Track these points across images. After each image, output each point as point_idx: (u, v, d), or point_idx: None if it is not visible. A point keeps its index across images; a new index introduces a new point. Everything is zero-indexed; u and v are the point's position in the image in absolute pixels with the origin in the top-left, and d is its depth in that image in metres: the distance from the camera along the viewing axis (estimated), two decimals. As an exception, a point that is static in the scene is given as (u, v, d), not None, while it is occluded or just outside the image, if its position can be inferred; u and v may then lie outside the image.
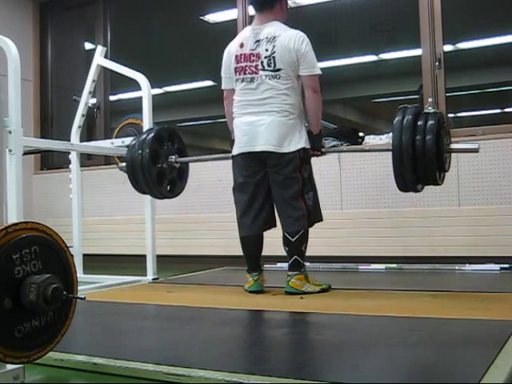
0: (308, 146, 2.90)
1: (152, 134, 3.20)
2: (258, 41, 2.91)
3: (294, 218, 2.85)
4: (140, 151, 3.13)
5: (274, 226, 3.00)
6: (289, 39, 2.86)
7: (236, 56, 2.96)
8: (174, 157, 3.27)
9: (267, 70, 2.86)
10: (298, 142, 2.85)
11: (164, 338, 2.04)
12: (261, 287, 2.92)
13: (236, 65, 2.96)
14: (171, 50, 5.98)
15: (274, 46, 2.86)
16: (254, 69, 2.90)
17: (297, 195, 2.85)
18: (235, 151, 2.97)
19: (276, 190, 2.89)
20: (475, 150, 2.64)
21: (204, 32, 5.53)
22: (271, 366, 1.60)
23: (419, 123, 2.53)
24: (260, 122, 2.86)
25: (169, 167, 3.26)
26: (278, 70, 2.84)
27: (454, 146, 2.66)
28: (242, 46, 2.96)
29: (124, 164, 3.25)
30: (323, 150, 3.01)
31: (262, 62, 2.88)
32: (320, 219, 2.98)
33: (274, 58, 2.85)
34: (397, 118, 2.57)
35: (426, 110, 2.61)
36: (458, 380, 1.39)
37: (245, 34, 3.00)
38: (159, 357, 1.66)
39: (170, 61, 6.03)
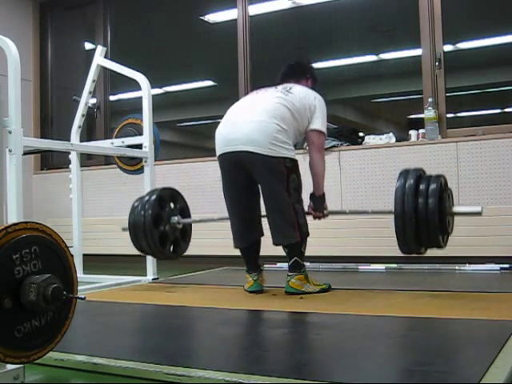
0: (295, 158, 2.80)
1: (154, 197, 3.15)
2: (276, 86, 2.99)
3: (285, 229, 2.77)
4: (142, 213, 3.09)
5: (263, 234, 2.96)
6: (309, 92, 2.94)
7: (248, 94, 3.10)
8: (176, 218, 3.22)
9: (278, 88, 2.91)
10: (284, 150, 2.74)
11: (164, 337, 2.04)
12: (261, 287, 2.92)
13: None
14: (171, 50, 5.98)
15: (292, 86, 2.94)
16: (263, 90, 2.95)
17: (286, 204, 2.76)
18: (217, 151, 2.88)
19: (265, 199, 2.82)
20: (478, 214, 2.62)
21: (204, 32, 5.53)
22: (271, 366, 1.60)
23: (421, 187, 2.53)
24: (245, 121, 2.78)
25: (171, 228, 3.21)
26: (291, 92, 2.87)
27: (456, 209, 2.65)
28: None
29: (126, 226, 3.19)
30: (325, 212, 2.93)
31: (276, 88, 2.93)
32: (308, 233, 2.86)
33: (290, 88, 2.91)
34: (398, 183, 2.57)
35: (426, 175, 2.61)
36: (458, 380, 1.38)
37: None
38: (159, 357, 1.66)
39: (170, 61, 6.04)
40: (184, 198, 3.36)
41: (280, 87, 2.93)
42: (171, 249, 3.25)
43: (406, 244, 2.57)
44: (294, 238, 2.78)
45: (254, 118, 2.77)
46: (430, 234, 2.52)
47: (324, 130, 2.91)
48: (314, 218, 2.95)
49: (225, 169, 2.89)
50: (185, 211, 3.33)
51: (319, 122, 2.89)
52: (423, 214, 2.49)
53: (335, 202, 4.27)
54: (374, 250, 4.03)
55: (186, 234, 3.34)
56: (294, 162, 2.81)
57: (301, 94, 2.89)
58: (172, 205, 3.27)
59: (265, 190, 2.82)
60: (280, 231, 2.80)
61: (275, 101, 2.81)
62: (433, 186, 2.52)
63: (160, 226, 3.14)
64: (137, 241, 3.15)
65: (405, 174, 2.61)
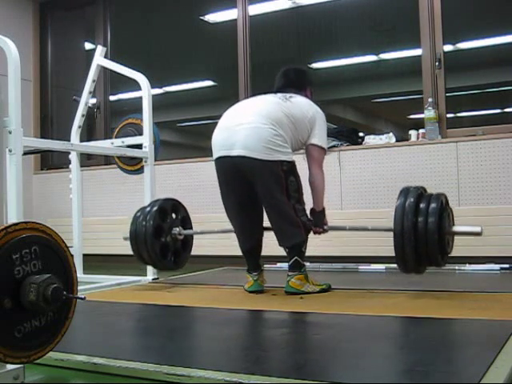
0: (292, 160, 2.78)
1: (156, 208, 3.16)
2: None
3: (289, 231, 2.77)
4: (144, 223, 3.10)
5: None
6: (310, 104, 2.91)
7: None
8: (178, 229, 3.23)
9: (277, 95, 2.88)
10: (280, 153, 2.72)
11: (164, 338, 2.04)
12: (261, 287, 2.92)
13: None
14: (171, 50, 5.98)
15: (292, 95, 2.90)
16: (262, 96, 2.93)
17: (286, 207, 2.75)
18: (213, 155, 2.87)
19: (265, 205, 2.82)
20: (478, 234, 2.62)
21: (204, 32, 5.53)
22: (271, 366, 1.60)
23: (421, 206, 2.53)
24: (239, 127, 2.75)
25: (172, 240, 3.22)
26: (290, 100, 2.85)
27: (456, 228, 2.64)
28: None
29: (127, 235, 3.21)
30: (325, 227, 2.91)
31: (275, 94, 2.91)
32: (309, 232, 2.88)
33: (290, 96, 2.88)
34: (399, 201, 2.56)
35: (427, 193, 2.61)
36: (458, 380, 1.38)
37: None
38: (159, 357, 1.66)
39: (170, 61, 6.04)
40: (186, 208, 3.36)
41: (279, 94, 2.91)
42: (172, 259, 3.25)
43: (405, 263, 2.57)
44: (299, 237, 2.79)
45: (248, 124, 2.74)
46: (428, 253, 2.52)
47: (324, 145, 2.90)
48: (314, 233, 2.92)
49: (222, 172, 2.86)
50: (186, 222, 3.33)
51: (319, 137, 2.88)
52: (422, 232, 2.48)
53: (335, 201, 4.27)
54: (374, 250, 4.03)
55: (187, 244, 3.34)
56: (291, 165, 2.79)
57: (301, 104, 2.88)
58: (173, 215, 3.27)
59: (263, 194, 2.79)
60: (284, 234, 2.80)
61: (271, 106, 2.80)
62: (433, 205, 2.52)
63: (161, 238, 3.15)
64: (138, 251, 3.17)
65: (405, 192, 2.60)
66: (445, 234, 2.54)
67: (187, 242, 3.34)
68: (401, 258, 2.56)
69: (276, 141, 2.71)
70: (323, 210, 2.92)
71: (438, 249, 2.52)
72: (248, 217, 2.91)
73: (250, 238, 2.95)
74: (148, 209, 3.19)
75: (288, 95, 2.90)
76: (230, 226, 3.05)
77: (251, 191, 2.82)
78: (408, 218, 2.50)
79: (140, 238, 3.11)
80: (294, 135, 2.81)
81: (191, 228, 3.37)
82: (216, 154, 2.84)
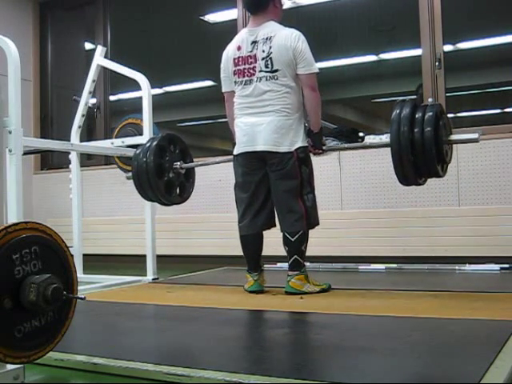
0: (306, 145, 2.90)
1: (154, 143, 3.18)
2: (254, 42, 2.93)
3: (292, 219, 2.84)
4: (144, 160, 3.13)
5: (274, 225, 2.99)
6: (285, 38, 2.86)
7: (234, 59, 2.98)
8: (179, 163, 3.27)
9: (264, 71, 2.87)
10: (296, 141, 2.86)
11: (164, 337, 2.04)
12: (261, 287, 2.92)
13: (234, 68, 2.98)
14: (171, 50, 5.98)
15: (270, 47, 2.87)
16: (251, 71, 2.91)
17: (295, 195, 2.85)
18: (236, 151, 2.98)
19: (275, 190, 2.89)
20: (475, 140, 2.60)
21: (204, 32, 5.53)
22: (271, 366, 1.60)
23: (417, 116, 2.49)
24: (259, 122, 2.87)
25: (175, 175, 3.25)
26: (276, 70, 2.85)
27: (453, 137, 2.62)
28: (239, 48, 2.98)
29: (130, 174, 3.25)
30: (324, 148, 2.99)
31: (259, 64, 2.89)
32: (317, 223, 2.95)
33: (271, 58, 2.86)
34: (394, 112, 2.54)
35: (422, 104, 2.59)
36: (458, 380, 1.38)
37: (241, 36, 3.01)
38: (159, 357, 1.66)
39: (170, 61, 6.04)
40: (183, 140, 3.40)
41: (263, 64, 2.86)
42: (177, 194, 3.31)
43: (405, 176, 2.53)
44: (299, 227, 2.83)
45: (266, 120, 2.85)
46: (428, 165, 2.48)
47: (312, 70, 2.87)
48: (314, 154, 2.98)
49: (242, 163, 2.95)
50: (185, 153, 3.36)
51: (305, 64, 2.86)
52: (419, 143, 2.44)
53: (335, 201, 4.27)
54: (374, 250, 4.03)
55: (190, 175, 3.40)
56: (306, 151, 2.89)
57: (280, 50, 2.84)
58: (172, 149, 3.31)
59: (274, 178, 2.87)
60: (286, 221, 2.87)
61: (275, 94, 2.85)
62: (429, 115, 2.47)
63: (164, 176, 3.19)
64: (142, 190, 3.20)
65: (401, 103, 2.57)
66: (442, 143, 2.49)
67: (189, 173, 3.39)
68: (400, 173, 2.52)
69: (293, 130, 2.85)
70: (320, 130, 2.95)
71: (435, 158, 2.47)
72: (258, 200, 2.94)
73: (258, 223, 2.95)
74: (147, 145, 3.21)
75: (266, 55, 2.86)
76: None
77: (267, 180, 2.91)
78: (404, 129, 2.46)
79: (143, 176, 3.14)
80: (298, 86, 2.88)
81: (191, 159, 3.41)
82: (240, 149, 2.94)
